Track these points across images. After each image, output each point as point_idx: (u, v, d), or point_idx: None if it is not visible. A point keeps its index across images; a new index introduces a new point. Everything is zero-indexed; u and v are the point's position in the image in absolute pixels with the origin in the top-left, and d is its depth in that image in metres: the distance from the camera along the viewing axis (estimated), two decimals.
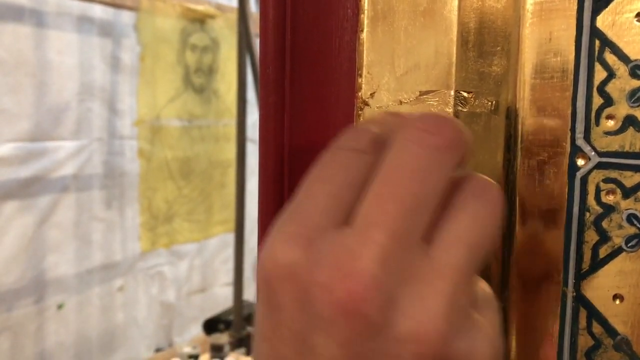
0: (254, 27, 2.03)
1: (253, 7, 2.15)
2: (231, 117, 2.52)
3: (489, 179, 0.25)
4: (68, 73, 2.05)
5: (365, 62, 0.30)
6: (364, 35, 0.30)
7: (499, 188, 0.25)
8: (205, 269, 2.67)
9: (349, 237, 0.22)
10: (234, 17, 2.31)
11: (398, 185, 0.22)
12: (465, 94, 0.28)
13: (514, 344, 0.29)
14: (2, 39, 1.83)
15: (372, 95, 0.30)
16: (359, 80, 0.30)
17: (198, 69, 2.51)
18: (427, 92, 0.29)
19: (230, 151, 2.47)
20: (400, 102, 0.29)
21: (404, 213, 0.22)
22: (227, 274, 2.63)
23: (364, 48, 0.30)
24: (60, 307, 2.10)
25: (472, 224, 0.23)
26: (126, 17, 2.23)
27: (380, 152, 0.24)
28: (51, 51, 1.98)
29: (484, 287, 0.25)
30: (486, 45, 0.28)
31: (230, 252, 2.40)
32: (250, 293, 2.18)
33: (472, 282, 0.23)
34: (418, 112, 0.27)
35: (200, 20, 2.50)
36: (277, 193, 0.33)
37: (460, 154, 0.24)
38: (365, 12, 0.30)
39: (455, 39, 0.28)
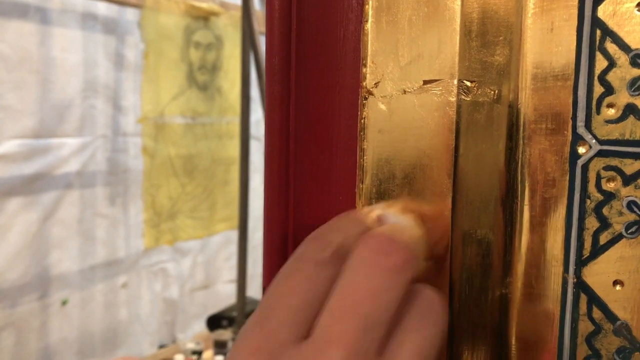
0: (258, 25, 2.03)
1: (257, 4, 2.16)
2: (235, 114, 2.52)
3: (434, 292, 0.26)
4: (72, 70, 2.05)
5: (369, 52, 0.30)
6: (369, 25, 0.30)
7: (444, 303, 0.26)
8: (209, 266, 2.68)
9: (306, 354, 0.24)
10: (237, 14, 2.32)
11: (354, 304, 0.24)
12: (468, 83, 0.29)
13: (516, 329, 0.30)
14: (6, 35, 1.84)
15: (376, 84, 0.30)
16: (364, 69, 0.30)
17: (202, 66, 2.52)
18: (430, 82, 0.29)
19: (233, 148, 2.48)
20: (404, 92, 0.30)
21: (359, 331, 0.23)
22: (230, 271, 2.64)
23: (369, 38, 0.30)
24: (63, 303, 2.11)
25: (420, 338, 0.25)
26: (130, 15, 2.24)
27: (341, 264, 0.25)
28: (55, 48, 1.99)
29: None
30: (489, 35, 0.29)
31: (233, 249, 2.41)
32: (253, 290, 2.19)
33: None
34: (383, 217, 0.28)
35: (204, 17, 2.51)
36: (282, 183, 0.33)
37: (412, 273, 0.25)
38: (370, 2, 0.30)
39: (458, 28, 0.28)
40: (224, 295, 2.62)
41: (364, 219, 0.28)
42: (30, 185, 1.96)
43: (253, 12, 2.04)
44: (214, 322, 2.22)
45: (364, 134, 0.31)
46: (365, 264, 0.25)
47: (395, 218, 0.28)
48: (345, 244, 0.26)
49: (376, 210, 0.28)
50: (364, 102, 0.30)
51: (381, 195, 0.31)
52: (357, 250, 0.25)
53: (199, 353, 1.93)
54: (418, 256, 0.26)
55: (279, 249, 0.33)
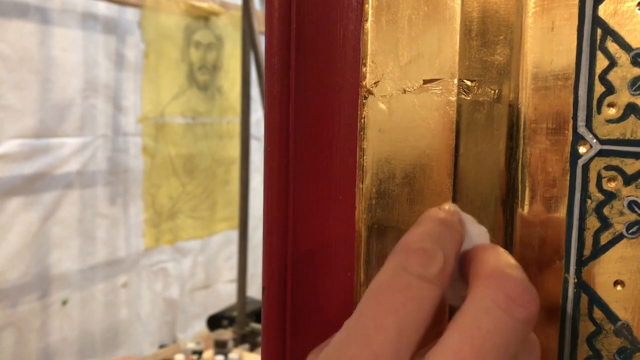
0: (258, 25, 2.03)
1: (257, 4, 2.16)
2: (235, 114, 2.52)
3: (533, 334, 0.25)
4: (72, 70, 2.05)
5: (369, 52, 0.30)
6: (369, 24, 0.30)
7: (538, 341, 0.26)
8: (209, 266, 2.68)
9: None
10: (238, 14, 2.32)
11: (481, 350, 0.22)
12: (468, 83, 0.29)
13: None
14: (6, 35, 1.84)
15: (376, 84, 0.30)
16: (364, 69, 0.30)
17: (202, 66, 2.52)
18: (430, 81, 0.29)
19: (233, 148, 2.48)
20: (404, 91, 0.29)
21: None
22: (230, 271, 2.64)
23: (369, 37, 0.30)
24: (64, 303, 2.11)
25: None
26: (130, 14, 2.24)
27: (446, 285, 0.24)
28: (55, 48, 1.99)
29: None
30: (489, 34, 0.29)
31: (233, 249, 2.41)
32: (253, 290, 2.19)
33: None
34: (471, 230, 0.26)
35: (204, 17, 2.51)
36: (282, 183, 0.33)
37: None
38: (370, 1, 0.30)
39: (458, 28, 0.28)
40: (225, 295, 2.62)
41: (457, 228, 0.26)
42: (30, 185, 1.96)
43: (253, 12, 2.04)
44: (215, 322, 2.22)
45: (363, 133, 0.30)
46: (500, 311, 0.23)
47: (474, 226, 0.27)
48: (448, 260, 0.24)
49: (454, 212, 0.26)
50: (364, 101, 0.30)
51: (381, 195, 0.30)
52: (487, 290, 0.23)
53: (199, 353, 1.93)
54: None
55: (279, 249, 0.33)
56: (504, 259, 0.25)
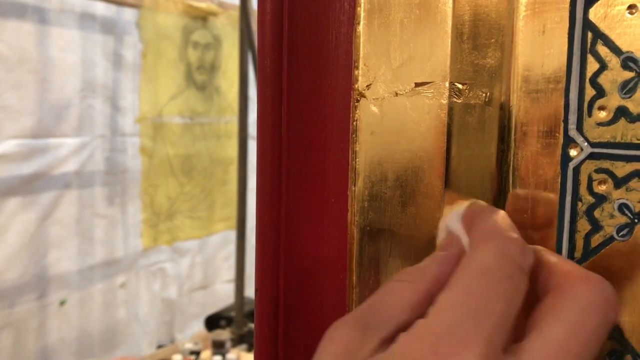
0: (256, 25, 2.03)
1: (255, 4, 2.16)
2: (233, 114, 2.52)
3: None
4: (70, 70, 2.05)
5: (361, 54, 0.30)
6: (361, 27, 0.30)
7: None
8: (207, 266, 2.68)
9: None
10: (236, 14, 2.32)
11: (587, 346, 0.23)
12: (459, 86, 0.29)
13: None
14: (4, 35, 1.84)
15: (368, 87, 0.30)
16: (356, 72, 0.30)
17: (200, 66, 2.52)
18: (422, 84, 0.29)
19: (232, 148, 2.48)
20: (396, 94, 0.30)
21: None
22: (228, 271, 2.64)
23: (361, 40, 0.30)
24: (62, 303, 2.11)
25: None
26: (128, 14, 2.24)
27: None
28: (53, 48, 1.99)
29: None
30: (480, 37, 0.29)
31: (231, 249, 2.41)
32: (251, 290, 2.19)
33: None
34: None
35: (202, 17, 2.51)
36: (275, 185, 0.33)
37: None
38: (362, 5, 0.30)
39: (450, 31, 0.28)
40: (223, 295, 2.62)
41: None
42: (28, 185, 1.96)
43: (251, 12, 2.05)
44: (213, 322, 2.23)
45: (356, 136, 0.31)
46: (600, 312, 0.24)
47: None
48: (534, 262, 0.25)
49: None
50: (356, 104, 0.30)
51: (373, 197, 0.31)
52: (587, 292, 0.24)
53: (197, 353, 1.93)
54: None
55: (272, 251, 0.33)
56: (565, 260, 0.27)
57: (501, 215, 0.27)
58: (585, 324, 0.23)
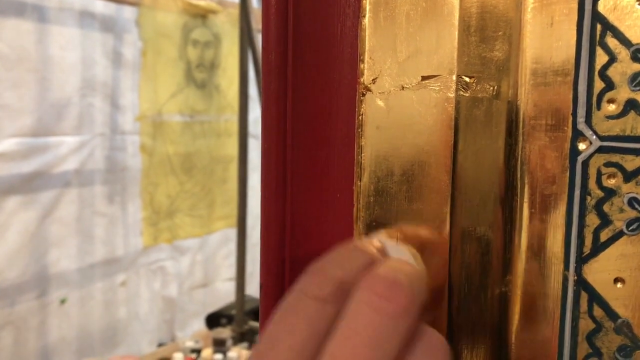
0: (256, 23, 2.03)
1: (255, 2, 2.16)
2: (233, 112, 2.52)
3: (437, 335, 0.25)
4: (70, 68, 2.05)
5: (367, 48, 0.30)
6: (366, 20, 0.30)
7: (447, 346, 0.25)
8: (207, 264, 2.67)
9: None
10: (235, 12, 2.31)
11: (354, 350, 0.23)
12: (467, 79, 0.28)
13: (515, 328, 0.29)
14: (4, 34, 1.84)
15: (374, 80, 0.30)
16: (361, 65, 0.30)
17: (200, 64, 2.51)
18: (429, 77, 0.29)
19: (231, 147, 2.47)
20: (402, 88, 0.29)
21: None
22: (229, 269, 2.64)
23: (366, 34, 0.30)
24: (62, 301, 2.10)
25: None
26: (128, 12, 2.23)
27: (343, 300, 0.25)
28: (53, 46, 1.99)
29: None
30: (488, 30, 0.28)
31: (232, 247, 2.41)
32: (252, 288, 2.19)
33: None
34: (383, 248, 0.27)
35: (202, 15, 2.50)
36: (279, 180, 0.33)
37: (414, 318, 0.24)
38: None
39: (457, 23, 0.28)
40: (223, 294, 2.61)
41: (365, 251, 0.27)
42: (28, 184, 1.96)
43: (251, 10, 2.04)
44: (213, 320, 2.22)
45: (361, 130, 0.30)
46: (367, 308, 0.24)
47: (397, 250, 0.27)
48: (347, 279, 0.25)
49: (376, 241, 0.27)
50: (362, 98, 0.30)
51: (379, 192, 0.30)
52: (358, 292, 0.24)
53: (198, 351, 1.93)
54: (420, 298, 0.25)
55: (276, 247, 0.33)
56: (387, 263, 0.26)
57: (331, 253, 0.27)
58: (350, 328, 0.24)
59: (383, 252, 0.27)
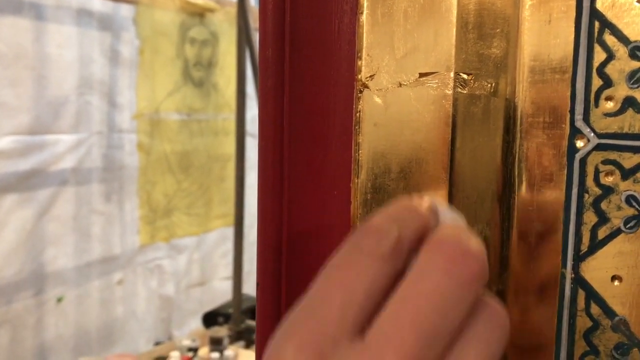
0: (254, 21, 2.03)
1: (252, 0, 2.15)
2: (230, 111, 2.52)
3: (499, 305, 0.25)
4: (67, 66, 2.04)
5: (365, 44, 0.30)
6: (364, 17, 0.30)
7: (507, 315, 0.25)
8: (205, 263, 2.67)
9: (361, 355, 0.22)
10: (233, 10, 2.31)
11: (419, 311, 0.22)
12: (464, 76, 0.28)
13: (513, 325, 0.29)
14: (1, 31, 1.83)
15: (371, 77, 0.30)
16: (359, 62, 0.30)
17: (197, 62, 2.51)
18: (426, 74, 0.29)
19: (229, 145, 2.47)
20: (400, 84, 0.29)
21: (421, 341, 0.22)
22: (226, 268, 2.63)
23: (364, 30, 0.30)
24: (59, 300, 2.10)
25: (482, 353, 0.23)
26: (125, 11, 2.23)
27: (402, 259, 0.24)
28: (50, 44, 1.98)
29: None
30: (486, 27, 0.28)
31: (229, 245, 2.41)
32: (249, 287, 2.19)
33: None
34: (435, 209, 0.26)
35: (199, 13, 2.50)
36: (276, 177, 0.33)
37: (483, 285, 0.24)
38: None
39: (455, 20, 0.28)
40: (220, 292, 2.61)
41: (420, 211, 0.25)
42: (25, 182, 1.95)
43: (248, 9, 2.04)
44: (210, 319, 2.22)
45: (359, 127, 0.30)
46: (437, 271, 0.23)
47: (451, 216, 0.26)
48: (405, 238, 0.24)
49: (428, 202, 0.26)
50: (359, 95, 0.30)
51: (377, 189, 0.30)
52: (428, 253, 0.24)
53: (194, 350, 1.93)
54: (487, 268, 0.24)
55: (273, 244, 0.33)
56: (451, 227, 0.25)
57: (385, 210, 0.26)
58: (417, 290, 0.23)
59: (435, 215, 0.26)
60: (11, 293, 1.94)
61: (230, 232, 2.35)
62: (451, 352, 0.23)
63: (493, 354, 0.24)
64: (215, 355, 1.88)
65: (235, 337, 2.04)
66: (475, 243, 0.24)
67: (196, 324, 2.45)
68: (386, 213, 0.25)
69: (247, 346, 2.02)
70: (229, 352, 1.90)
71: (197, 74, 2.51)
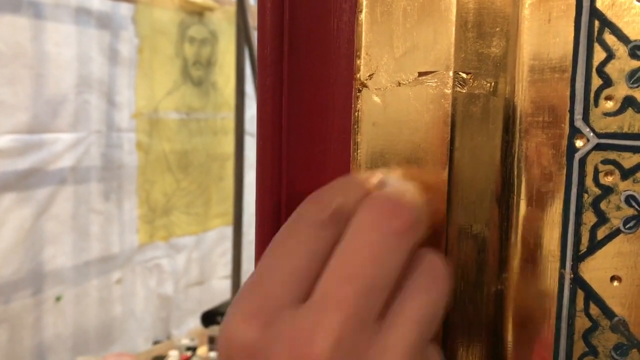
0: (253, 20, 2.02)
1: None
2: (229, 110, 2.51)
3: (438, 256, 0.25)
4: (66, 65, 2.04)
5: (363, 43, 0.30)
6: (363, 16, 0.29)
7: (447, 268, 0.25)
8: (203, 262, 2.67)
9: (305, 318, 0.23)
10: (232, 9, 2.31)
11: (356, 268, 0.23)
12: (464, 75, 0.28)
13: (511, 326, 0.29)
14: None
15: (370, 76, 0.29)
16: (358, 61, 0.30)
17: (196, 61, 2.51)
18: (426, 73, 0.29)
19: (228, 144, 2.47)
20: (399, 84, 0.29)
21: (360, 295, 0.23)
22: (225, 267, 2.63)
23: (363, 29, 0.29)
24: (58, 299, 2.10)
25: (422, 302, 0.24)
26: (124, 9, 2.22)
27: (342, 225, 0.25)
28: (49, 43, 1.98)
29: (436, 354, 0.26)
30: (485, 26, 0.28)
31: (228, 245, 2.40)
32: None
33: (424, 355, 0.24)
34: (383, 181, 0.27)
35: (198, 12, 2.50)
36: (274, 177, 0.32)
37: (417, 236, 0.24)
38: None
39: (454, 19, 0.28)
40: (219, 291, 2.61)
41: (364, 182, 0.27)
42: (24, 181, 1.95)
43: (248, 7, 2.04)
44: (209, 318, 2.22)
45: (357, 127, 0.30)
46: (369, 227, 0.24)
47: (397, 182, 0.27)
48: (346, 205, 0.25)
49: (376, 175, 0.27)
50: (358, 94, 0.30)
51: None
52: (360, 212, 0.24)
53: (193, 349, 1.93)
54: (422, 221, 0.25)
55: None
56: (388, 188, 0.26)
57: (336, 181, 0.27)
58: (350, 247, 0.24)
59: (383, 185, 0.27)
60: (9, 292, 1.94)
61: (229, 231, 2.34)
62: (392, 302, 0.24)
63: (434, 302, 0.25)
64: (214, 354, 1.88)
65: None
66: (408, 197, 0.25)
67: (195, 323, 2.45)
68: (328, 185, 0.26)
69: None
70: None
71: (196, 73, 2.51)
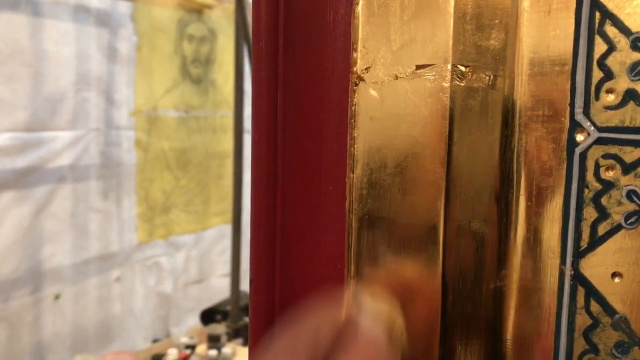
0: (251, 17, 2.02)
1: None
2: (228, 108, 2.51)
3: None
4: (64, 63, 2.03)
5: (360, 36, 0.29)
6: (359, 8, 0.29)
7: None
8: (203, 260, 2.67)
9: None
10: (231, 7, 2.30)
11: None
12: (462, 68, 0.28)
13: (511, 323, 0.29)
14: None
15: (367, 69, 0.29)
16: (354, 54, 0.29)
17: (195, 59, 2.50)
18: (423, 66, 0.28)
19: (227, 142, 2.47)
20: (396, 77, 0.29)
21: None
22: (224, 265, 2.63)
23: (359, 21, 0.29)
24: (57, 297, 2.09)
25: None
26: (123, 7, 2.22)
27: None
28: (47, 41, 1.97)
29: None
30: (484, 18, 0.28)
31: (227, 243, 2.40)
32: (246, 284, 2.18)
33: None
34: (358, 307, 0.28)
35: (197, 10, 2.49)
36: (270, 173, 0.32)
37: None
38: None
39: (452, 11, 0.27)
40: (218, 290, 2.61)
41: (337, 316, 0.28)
42: (22, 179, 1.94)
43: (246, 5, 2.03)
44: (208, 316, 2.22)
45: (354, 121, 0.30)
46: None
47: (371, 305, 0.28)
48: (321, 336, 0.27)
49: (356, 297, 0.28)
50: (355, 88, 0.29)
51: (372, 185, 0.30)
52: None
53: (192, 347, 1.92)
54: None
55: (267, 241, 0.32)
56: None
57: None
58: None
59: (358, 310, 0.28)
60: (8, 290, 1.94)
61: (228, 229, 2.34)
62: None
63: None
64: (213, 352, 1.88)
65: (233, 335, 2.04)
66: (384, 321, 0.27)
67: (194, 321, 2.44)
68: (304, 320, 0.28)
69: (245, 343, 2.01)
70: (227, 349, 1.90)
71: (195, 71, 2.50)
